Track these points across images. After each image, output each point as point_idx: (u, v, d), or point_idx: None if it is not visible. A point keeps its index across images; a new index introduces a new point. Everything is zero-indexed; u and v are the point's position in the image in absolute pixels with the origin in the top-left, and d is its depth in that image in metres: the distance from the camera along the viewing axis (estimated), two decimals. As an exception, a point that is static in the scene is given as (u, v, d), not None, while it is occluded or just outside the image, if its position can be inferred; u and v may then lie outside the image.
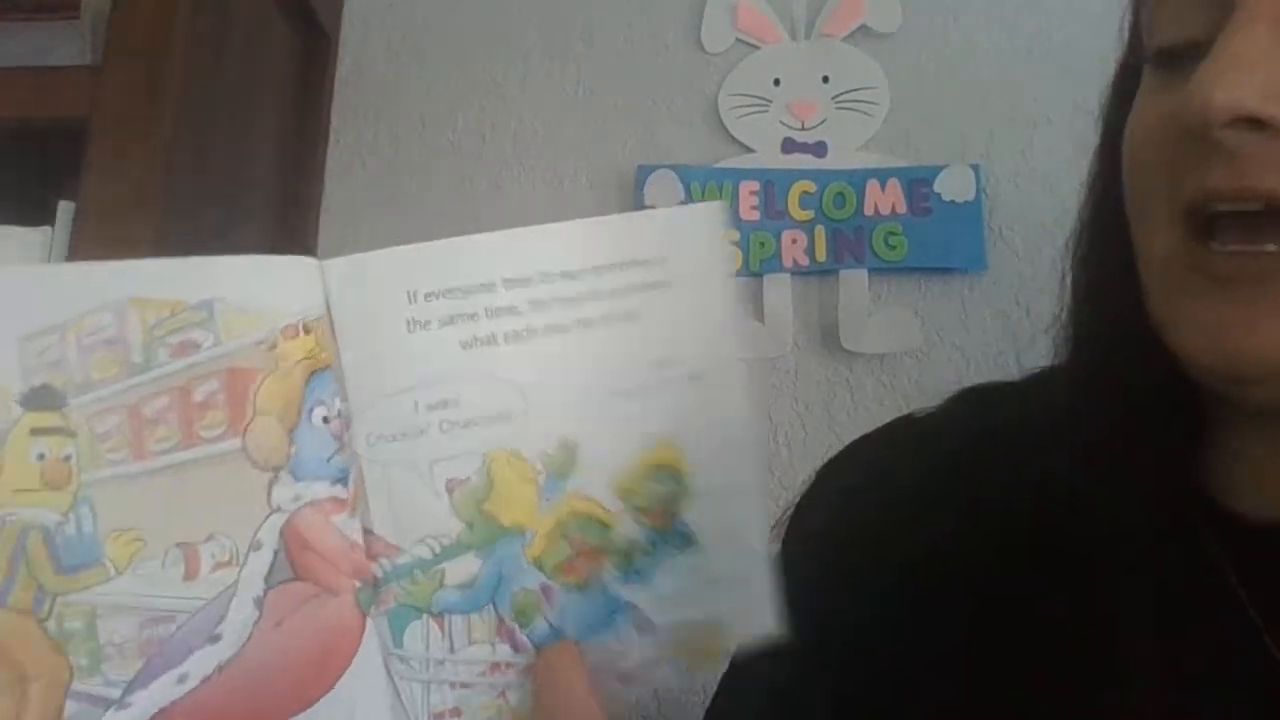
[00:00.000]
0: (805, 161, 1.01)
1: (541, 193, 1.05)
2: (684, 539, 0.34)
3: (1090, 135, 1.05)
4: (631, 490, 0.34)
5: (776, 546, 0.38)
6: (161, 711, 0.29)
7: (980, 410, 0.50)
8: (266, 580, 0.30)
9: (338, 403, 0.31)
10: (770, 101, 1.03)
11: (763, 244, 0.99)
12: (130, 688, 0.29)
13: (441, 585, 0.33)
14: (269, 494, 0.30)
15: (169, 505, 0.29)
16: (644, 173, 1.02)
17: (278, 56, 1.03)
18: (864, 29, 1.03)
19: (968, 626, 0.41)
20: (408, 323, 0.32)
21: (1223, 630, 0.37)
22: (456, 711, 0.33)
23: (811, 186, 1.00)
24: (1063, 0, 1.02)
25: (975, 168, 0.98)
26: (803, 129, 1.02)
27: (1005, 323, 0.97)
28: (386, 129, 1.08)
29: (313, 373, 0.31)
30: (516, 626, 0.33)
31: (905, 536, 0.44)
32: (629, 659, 0.34)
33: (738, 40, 1.05)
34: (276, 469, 0.30)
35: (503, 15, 1.10)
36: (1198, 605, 0.37)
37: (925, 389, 0.97)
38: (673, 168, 1.02)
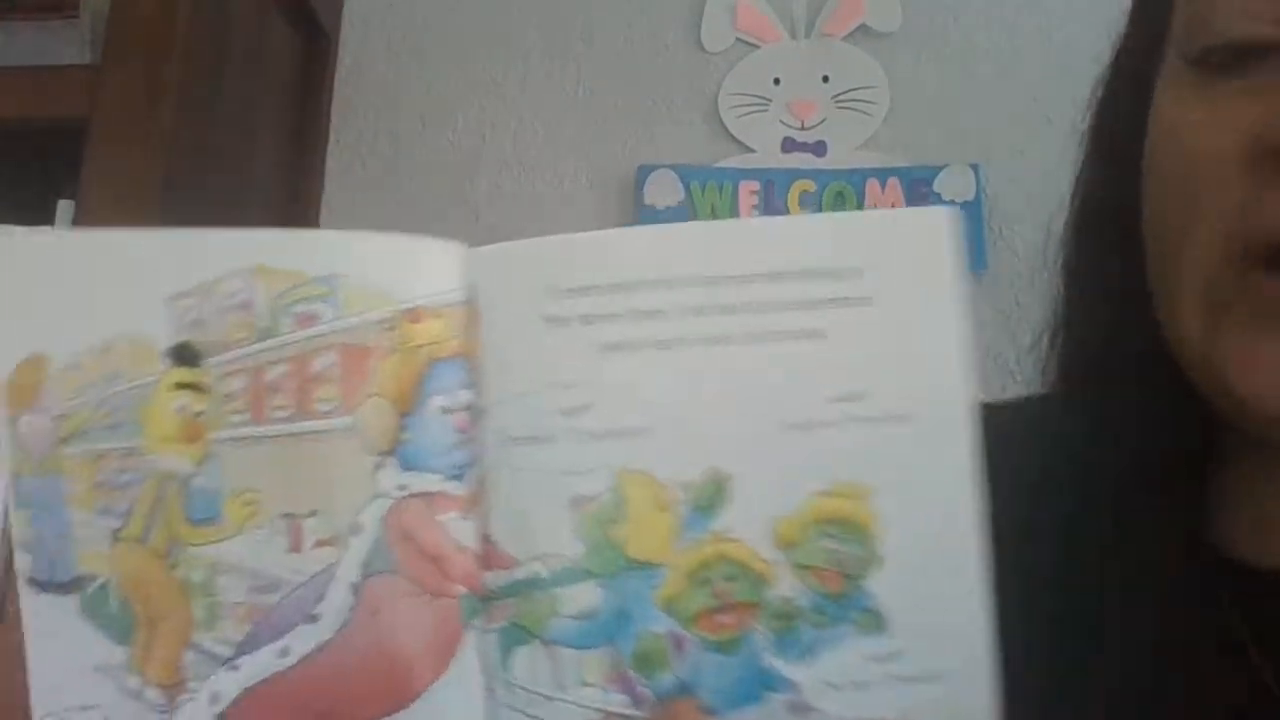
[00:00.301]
0: (805, 161, 1.01)
1: (541, 193, 1.05)
2: (868, 615, 0.29)
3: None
4: (797, 542, 0.29)
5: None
6: (264, 682, 0.29)
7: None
8: (364, 567, 0.29)
9: (464, 395, 0.30)
10: (770, 101, 1.03)
11: (763, 244, 0.99)
12: (239, 650, 0.29)
13: (556, 612, 0.29)
14: (374, 478, 0.29)
15: (280, 474, 0.30)
16: (644, 173, 1.02)
17: (278, 56, 1.03)
18: (864, 28, 1.03)
19: None
20: (546, 319, 0.29)
21: (1227, 675, 0.34)
22: None
23: (811, 186, 1.00)
24: (1063, 0, 1.02)
25: (975, 168, 0.98)
26: (802, 128, 1.02)
27: (1005, 323, 0.97)
28: (386, 129, 1.08)
29: (436, 360, 0.30)
30: (637, 675, 0.29)
31: None
32: None
33: (738, 40, 1.05)
34: (384, 453, 0.29)
35: (503, 15, 1.10)
36: (1200, 651, 0.35)
37: (925, 389, 0.97)
38: (673, 167, 1.02)
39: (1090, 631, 0.36)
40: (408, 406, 0.29)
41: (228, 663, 0.29)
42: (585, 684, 0.29)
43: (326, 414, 0.29)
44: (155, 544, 0.30)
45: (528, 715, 0.29)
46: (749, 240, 0.30)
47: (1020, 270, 0.98)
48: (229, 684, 0.29)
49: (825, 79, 1.03)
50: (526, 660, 0.29)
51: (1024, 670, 0.35)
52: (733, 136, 1.03)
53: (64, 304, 0.30)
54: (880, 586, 0.29)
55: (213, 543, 0.29)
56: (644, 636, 0.29)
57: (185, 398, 0.30)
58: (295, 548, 0.29)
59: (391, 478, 0.29)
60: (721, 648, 0.29)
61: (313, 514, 0.29)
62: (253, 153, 0.99)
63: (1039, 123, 1.00)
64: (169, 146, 0.79)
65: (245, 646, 0.29)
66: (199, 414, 0.30)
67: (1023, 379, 1.09)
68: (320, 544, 0.29)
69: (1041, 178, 0.99)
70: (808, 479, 0.29)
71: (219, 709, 0.29)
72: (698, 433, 0.29)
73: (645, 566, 0.29)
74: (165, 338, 0.30)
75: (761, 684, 0.29)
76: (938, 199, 0.98)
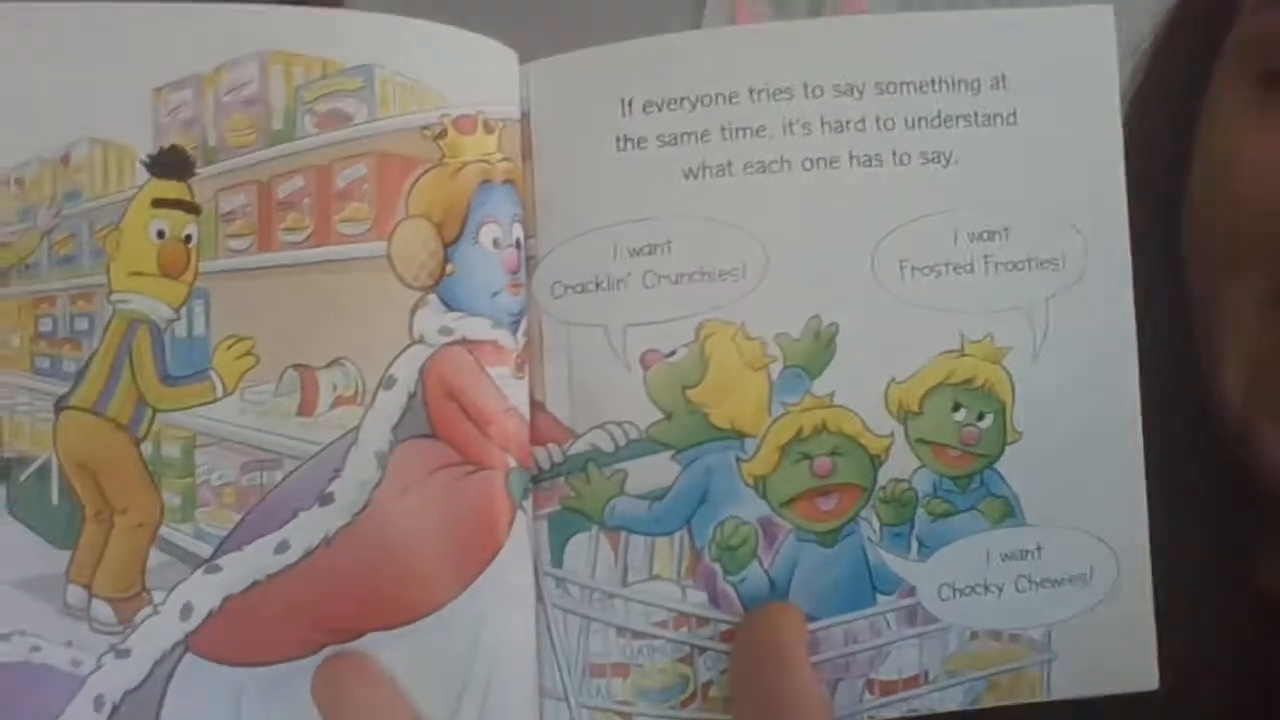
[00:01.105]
0: (805, 161, 1.01)
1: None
2: (1000, 503, 0.25)
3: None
4: (917, 412, 0.25)
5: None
6: (254, 585, 0.23)
7: None
8: (395, 431, 0.24)
9: (517, 230, 0.25)
10: (770, 101, 1.02)
11: (762, 243, 0.98)
12: (223, 546, 0.23)
13: (622, 491, 0.24)
14: (411, 319, 0.24)
15: (291, 314, 0.24)
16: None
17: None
18: (864, 29, 1.02)
19: None
20: (618, 140, 0.25)
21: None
22: (622, 670, 0.25)
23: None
24: (1062, 1, 1.01)
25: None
26: (803, 128, 1.02)
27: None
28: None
29: (487, 181, 0.25)
30: (719, 569, 0.25)
31: None
32: (886, 661, 0.25)
33: (738, 40, 1.04)
34: (425, 289, 0.24)
35: (502, 15, 1.10)
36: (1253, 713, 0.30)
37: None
38: (671, 166, 1.01)
39: None
40: (453, 234, 0.24)
41: (206, 564, 0.23)
42: (655, 578, 0.25)
43: (353, 238, 0.24)
44: (115, 412, 0.23)
45: (583, 617, 0.25)
46: (865, 41, 0.25)
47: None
48: (206, 591, 0.23)
49: (826, 79, 1.02)
50: (583, 551, 0.25)
51: None
52: (732, 136, 1.03)
53: (2, 97, 0.23)
54: (1015, 468, 0.25)
55: (194, 407, 0.23)
56: (728, 523, 0.25)
57: (167, 219, 0.24)
58: (307, 409, 0.23)
59: (432, 319, 0.24)
60: (822, 539, 0.25)
61: (333, 364, 0.23)
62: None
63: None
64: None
65: (231, 542, 0.23)
66: (185, 239, 0.24)
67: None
68: (341, 402, 0.23)
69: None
70: (932, 335, 0.25)
71: (191, 624, 0.23)
72: (799, 277, 0.24)
73: (731, 436, 0.25)
74: (145, 142, 0.24)
75: (869, 584, 0.25)
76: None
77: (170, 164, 0.24)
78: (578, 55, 0.26)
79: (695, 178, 0.25)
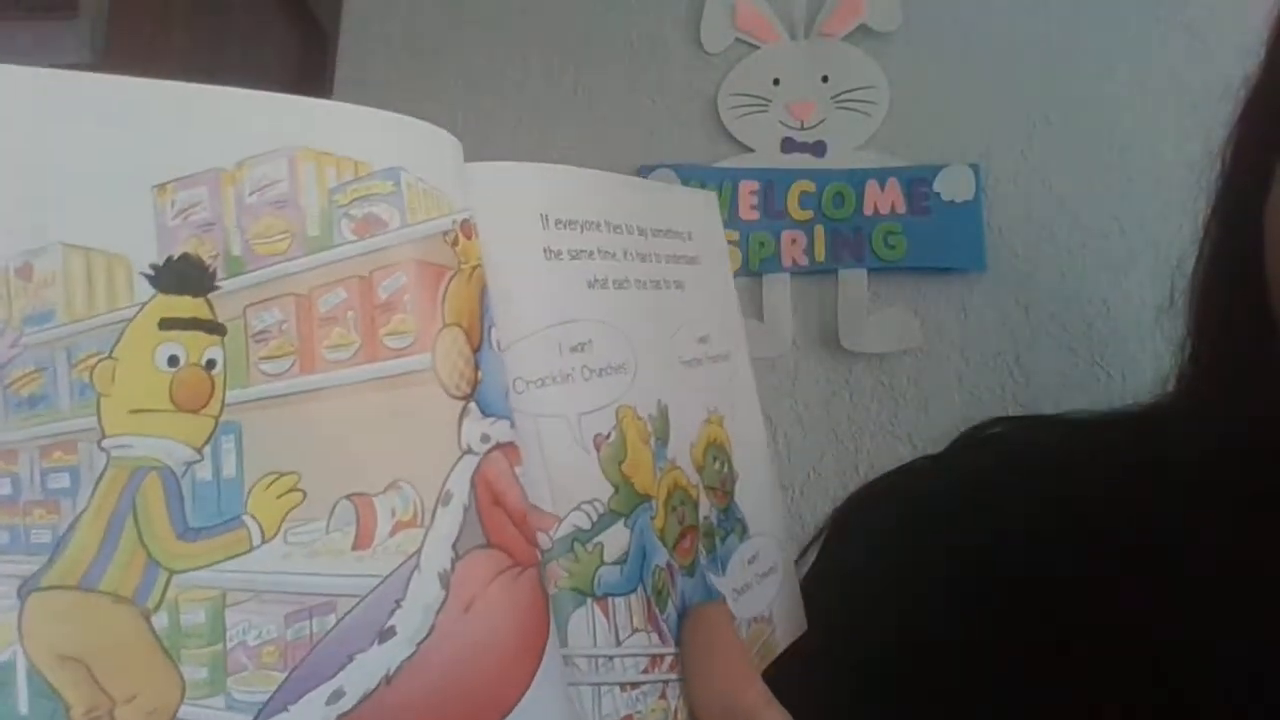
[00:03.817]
0: (804, 161, 1.01)
1: (541, 192, 1.05)
2: (741, 525, 0.33)
3: (1089, 134, 1.05)
4: (702, 465, 0.31)
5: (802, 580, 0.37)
6: None
7: (1018, 445, 0.46)
8: (456, 547, 0.22)
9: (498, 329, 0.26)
10: (770, 101, 1.03)
11: (762, 244, 0.99)
12: (263, 712, 0.20)
13: (602, 561, 0.27)
14: (459, 430, 0.23)
15: (340, 440, 0.21)
16: (644, 173, 1.02)
17: (277, 56, 1.03)
18: (863, 28, 1.03)
19: (1037, 655, 0.38)
20: (545, 250, 0.27)
21: None
22: None
23: (811, 186, 1.00)
24: (1063, 0, 1.02)
25: (975, 167, 0.98)
26: (802, 129, 1.02)
27: (1005, 322, 0.97)
28: (386, 129, 1.08)
29: (485, 285, 0.24)
30: (657, 611, 0.28)
31: (965, 567, 0.41)
32: None
33: (737, 40, 1.05)
34: (466, 398, 0.23)
35: (503, 15, 1.10)
36: None
37: (924, 389, 0.97)
38: (673, 167, 1.02)
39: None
40: (476, 340, 0.24)
41: None
42: (635, 630, 0.27)
43: (400, 352, 0.22)
44: (114, 584, 0.19)
45: (593, 685, 0.26)
46: (639, 195, 0.32)
47: (1020, 270, 0.97)
48: None
49: (825, 79, 1.03)
50: (584, 623, 0.26)
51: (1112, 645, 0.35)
52: (732, 137, 1.03)
53: None
54: (741, 497, 0.33)
55: (222, 562, 0.20)
56: (656, 571, 0.29)
57: (181, 342, 0.20)
58: (364, 541, 0.21)
59: (475, 428, 0.23)
60: (688, 571, 0.30)
61: (391, 487, 0.21)
62: (252, 152, 0.98)
63: (1039, 123, 1.00)
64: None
65: (273, 705, 0.20)
66: (208, 365, 0.20)
67: (1022, 379, 1.10)
68: (400, 527, 0.21)
69: (1041, 178, 0.99)
70: (698, 409, 0.32)
71: None
72: (649, 369, 0.30)
73: (646, 500, 0.29)
74: (146, 249, 0.20)
75: (710, 599, 0.31)
76: (937, 199, 0.98)
77: (184, 276, 0.20)
78: (511, 165, 0.28)
79: (593, 288, 0.28)
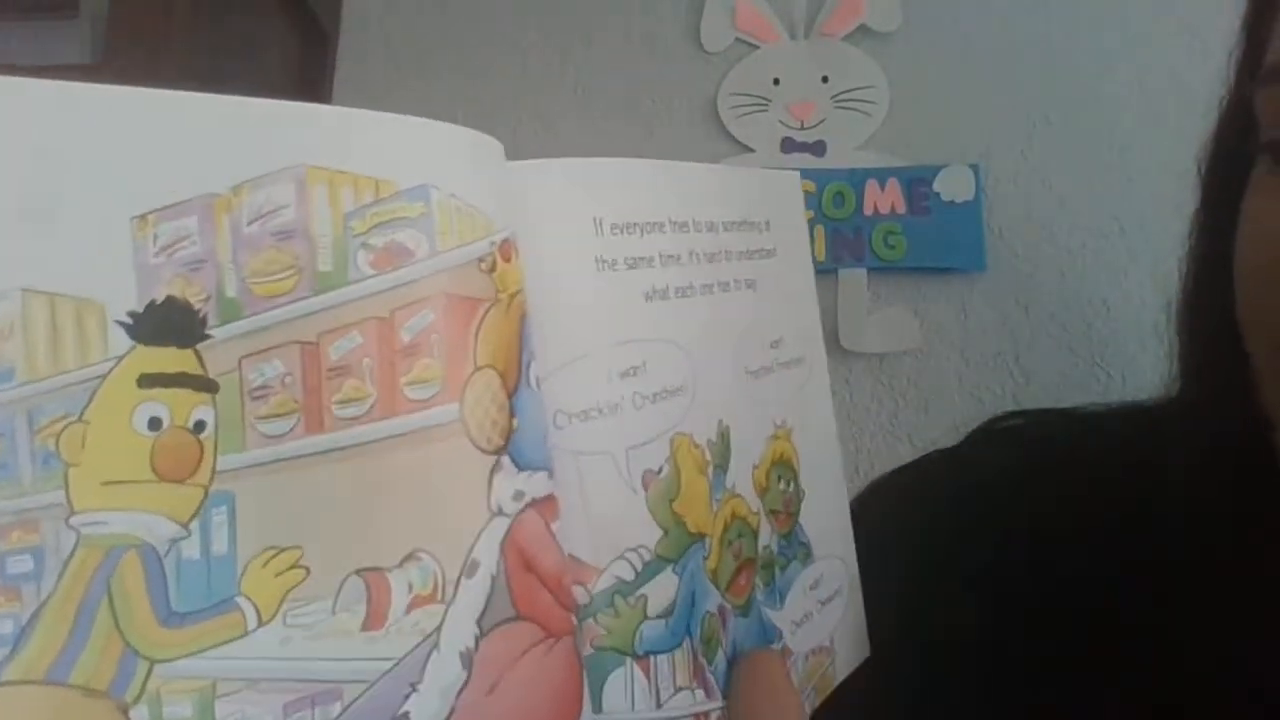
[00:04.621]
0: (804, 161, 1.01)
1: (541, 193, 1.05)
2: (805, 549, 0.29)
3: (1089, 134, 1.05)
4: (765, 488, 0.28)
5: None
6: None
7: (1026, 440, 0.46)
8: (480, 622, 0.20)
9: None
10: (769, 101, 1.03)
11: (762, 244, 0.99)
12: None
13: (645, 615, 0.24)
14: (489, 489, 0.20)
15: (350, 507, 0.19)
16: (643, 173, 1.02)
17: (277, 57, 1.03)
18: (863, 29, 1.03)
19: (1055, 652, 0.38)
20: (596, 260, 0.23)
21: None
22: None
23: (811, 186, 1.00)
24: (1062, 0, 1.02)
25: (975, 168, 0.98)
26: (802, 129, 1.02)
27: (1004, 322, 0.97)
28: (386, 129, 1.08)
29: (524, 313, 0.21)
30: (705, 662, 0.25)
31: (981, 560, 0.40)
32: None
33: (737, 40, 1.05)
34: (498, 451, 0.20)
35: (503, 15, 1.10)
36: None
37: (924, 389, 0.98)
38: (672, 167, 1.02)
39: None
40: (514, 381, 0.21)
41: None
42: (678, 689, 0.24)
43: (424, 403, 0.19)
44: (86, 675, 0.16)
45: None
46: (713, 185, 0.28)
47: (1019, 270, 0.98)
48: None
49: (825, 79, 1.03)
50: (620, 687, 0.23)
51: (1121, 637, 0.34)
52: (732, 137, 1.03)
53: None
54: (807, 518, 0.29)
55: (211, 649, 0.17)
56: (706, 619, 0.25)
57: (164, 401, 0.17)
58: (375, 621, 0.18)
59: (507, 485, 0.20)
60: (743, 610, 0.27)
61: (407, 560, 0.19)
62: (252, 152, 0.98)
63: (1039, 123, 1.00)
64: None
65: None
66: (195, 427, 0.17)
67: (1022, 379, 1.10)
68: (417, 603, 0.19)
69: (1041, 178, 0.99)
70: (765, 424, 0.28)
71: None
72: (710, 388, 0.26)
73: (699, 540, 0.25)
74: (123, 293, 0.17)
75: (766, 639, 0.27)
76: (937, 199, 0.98)
77: (166, 324, 0.17)
78: (557, 163, 0.24)
79: (652, 300, 0.25)
